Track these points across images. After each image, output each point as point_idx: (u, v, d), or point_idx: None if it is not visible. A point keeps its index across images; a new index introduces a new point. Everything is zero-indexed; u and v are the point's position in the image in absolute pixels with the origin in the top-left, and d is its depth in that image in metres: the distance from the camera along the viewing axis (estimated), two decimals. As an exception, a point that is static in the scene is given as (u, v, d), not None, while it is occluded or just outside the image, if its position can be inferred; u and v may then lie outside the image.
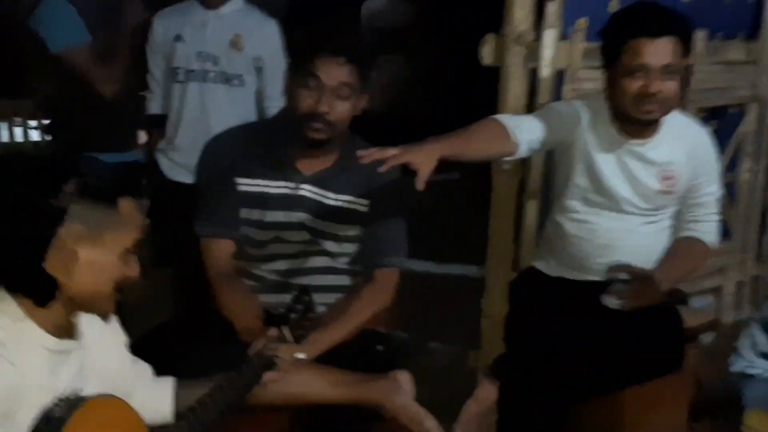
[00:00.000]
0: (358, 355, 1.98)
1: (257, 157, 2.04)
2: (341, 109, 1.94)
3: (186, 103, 2.83)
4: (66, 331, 1.36)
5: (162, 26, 2.87)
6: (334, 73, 1.91)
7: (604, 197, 2.14)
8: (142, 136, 3.12)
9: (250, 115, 2.84)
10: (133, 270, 1.38)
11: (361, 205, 2.05)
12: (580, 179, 2.14)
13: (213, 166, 2.09)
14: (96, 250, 1.31)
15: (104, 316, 1.41)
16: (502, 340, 2.28)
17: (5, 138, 3.61)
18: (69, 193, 1.29)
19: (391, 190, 2.04)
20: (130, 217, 1.35)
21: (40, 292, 1.30)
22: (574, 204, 2.18)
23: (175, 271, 2.89)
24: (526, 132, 2.05)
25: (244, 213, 2.04)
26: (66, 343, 1.36)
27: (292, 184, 2.03)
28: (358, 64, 1.94)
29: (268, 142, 2.05)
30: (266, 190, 2.04)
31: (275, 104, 2.67)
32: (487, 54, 2.55)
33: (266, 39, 2.86)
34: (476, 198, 2.90)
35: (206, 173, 2.12)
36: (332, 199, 2.04)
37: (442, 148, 1.81)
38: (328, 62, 1.90)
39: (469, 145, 1.94)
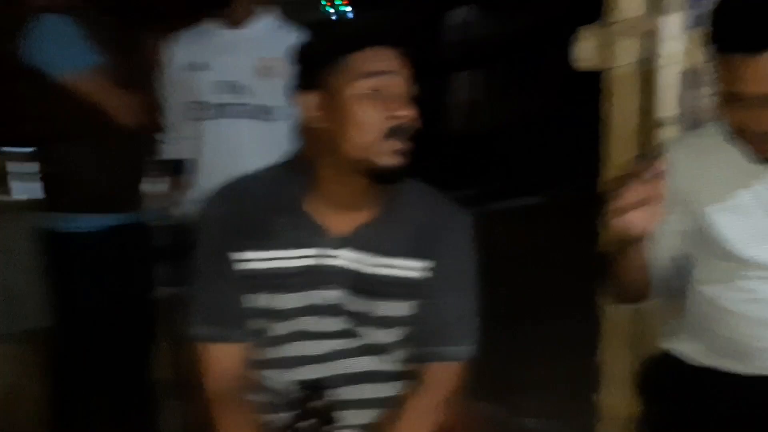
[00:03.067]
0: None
1: (266, 220, 1.46)
2: (415, 114, 1.45)
3: (207, 143, 2.41)
4: None
5: (179, 52, 2.45)
6: (396, 66, 1.43)
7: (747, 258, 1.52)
8: (163, 187, 2.63)
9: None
10: None
11: (417, 269, 1.48)
12: (709, 242, 1.55)
13: (208, 239, 1.51)
14: None
15: None
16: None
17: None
18: None
19: (460, 247, 1.52)
20: None
21: None
22: (719, 266, 1.55)
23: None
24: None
25: (252, 300, 1.47)
26: None
27: (320, 251, 1.46)
28: (411, 57, 1.44)
29: (282, 195, 1.47)
30: (282, 264, 1.46)
31: None
32: (583, 54, 1.88)
33: None
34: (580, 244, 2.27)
35: (200, 248, 1.53)
36: (377, 264, 1.47)
37: None
38: (381, 54, 1.41)
39: None
